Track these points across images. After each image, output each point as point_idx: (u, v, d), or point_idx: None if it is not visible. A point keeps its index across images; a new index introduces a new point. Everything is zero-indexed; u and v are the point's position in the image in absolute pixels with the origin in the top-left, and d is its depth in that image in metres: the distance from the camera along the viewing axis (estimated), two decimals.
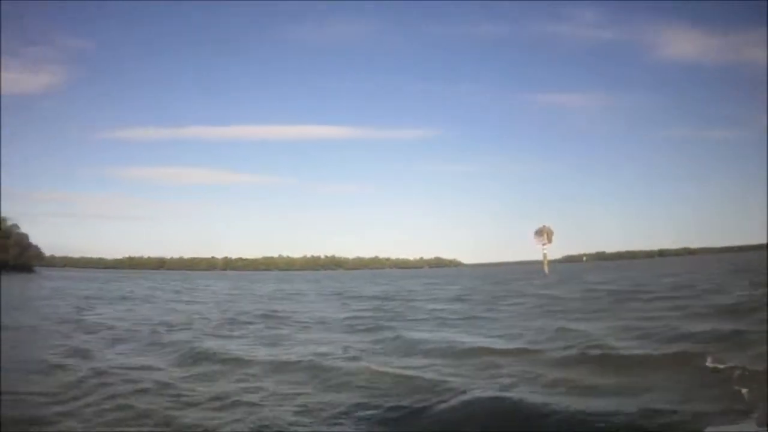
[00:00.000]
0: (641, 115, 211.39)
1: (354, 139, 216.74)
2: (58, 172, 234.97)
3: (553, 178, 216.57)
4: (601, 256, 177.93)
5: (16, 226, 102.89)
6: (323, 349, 12.66)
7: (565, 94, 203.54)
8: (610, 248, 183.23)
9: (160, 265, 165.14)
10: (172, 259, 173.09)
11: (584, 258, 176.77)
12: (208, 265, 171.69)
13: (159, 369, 10.85)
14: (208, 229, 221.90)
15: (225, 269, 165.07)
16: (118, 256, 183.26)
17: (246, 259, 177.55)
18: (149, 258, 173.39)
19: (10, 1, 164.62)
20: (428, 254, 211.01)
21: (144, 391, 8.82)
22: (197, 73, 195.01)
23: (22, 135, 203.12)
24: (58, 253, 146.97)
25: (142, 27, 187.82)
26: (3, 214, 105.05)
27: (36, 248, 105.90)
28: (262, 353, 12.47)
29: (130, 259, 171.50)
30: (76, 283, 60.22)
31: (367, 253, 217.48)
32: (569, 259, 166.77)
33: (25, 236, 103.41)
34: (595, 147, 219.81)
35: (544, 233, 75.56)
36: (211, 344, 13.69)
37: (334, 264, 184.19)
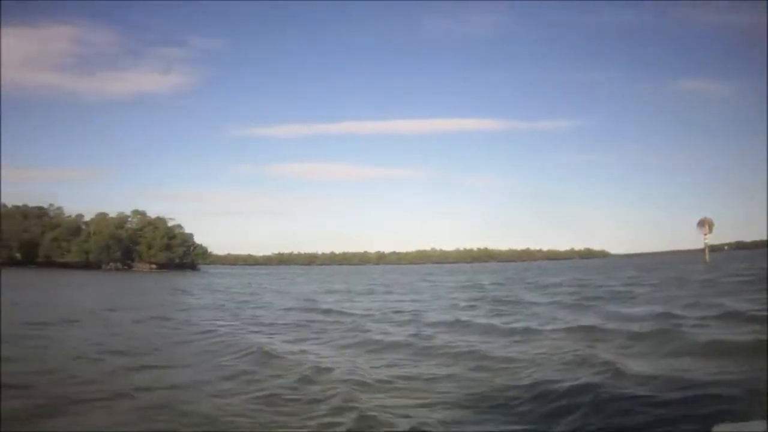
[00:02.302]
0: None
1: (497, 131, 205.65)
2: (196, 171, 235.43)
3: (694, 167, 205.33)
4: (740, 245, 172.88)
5: (179, 226, 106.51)
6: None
7: (703, 80, 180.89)
8: (748, 237, 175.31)
9: (311, 260, 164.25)
10: (323, 254, 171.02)
11: (725, 247, 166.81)
12: (361, 260, 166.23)
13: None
14: (361, 225, 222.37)
15: (378, 263, 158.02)
16: (267, 252, 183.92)
17: (399, 253, 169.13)
18: (299, 254, 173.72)
19: (134, 4, 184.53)
20: (578, 245, 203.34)
21: None
22: (344, 69, 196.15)
23: (158, 136, 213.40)
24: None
25: (273, 25, 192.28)
26: (163, 215, 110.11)
27: (201, 247, 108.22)
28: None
29: (280, 255, 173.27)
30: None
31: (517, 245, 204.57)
32: (712, 249, 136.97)
33: (190, 236, 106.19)
34: (738, 134, 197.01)
35: (705, 224, 79.50)
36: None
37: (486, 256, 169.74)
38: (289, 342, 14.42)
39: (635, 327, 14.13)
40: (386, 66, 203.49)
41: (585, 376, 8.87)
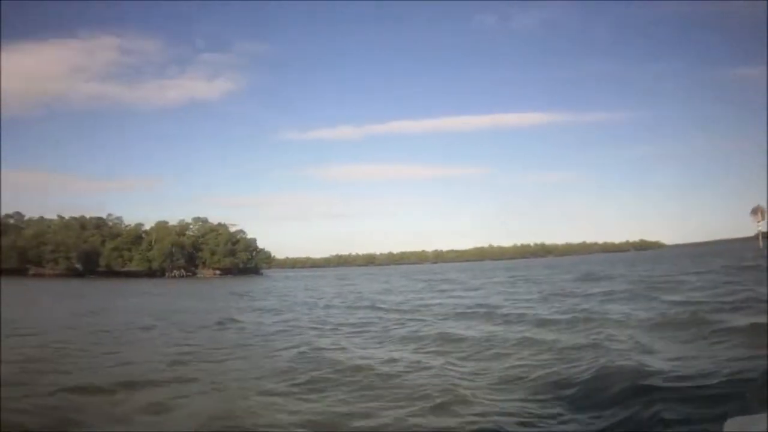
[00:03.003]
0: None
1: (551, 124, 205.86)
2: (250, 176, 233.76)
3: (748, 155, 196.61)
4: None
5: (242, 231, 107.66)
6: None
7: (761, 67, 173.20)
8: None
9: (369, 261, 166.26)
10: (381, 254, 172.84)
11: None
12: (419, 258, 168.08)
13: None
14: (417, 224, 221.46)
15: (436, 262, 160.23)
16: (326, 254, 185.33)
17: (457, 251, 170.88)
18: (358, 255, 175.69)
19: (179, 13, 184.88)
20: (632, 237, 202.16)
21: None
22: (392, 69, 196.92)
23: (210, 143, 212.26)
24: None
25: (319, 27, 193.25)
26: (225, 221, 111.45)
27: (265, 252, 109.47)
28: None
29: (339, 257, 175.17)
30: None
31: (574, 238, 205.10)
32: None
33: (253, 241, 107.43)
34: None
35: (758, 212, 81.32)
36: None
37: (543, 251, 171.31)
38: (428, 352, 13.31)
39: None
40: (437, 64, 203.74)
41: None
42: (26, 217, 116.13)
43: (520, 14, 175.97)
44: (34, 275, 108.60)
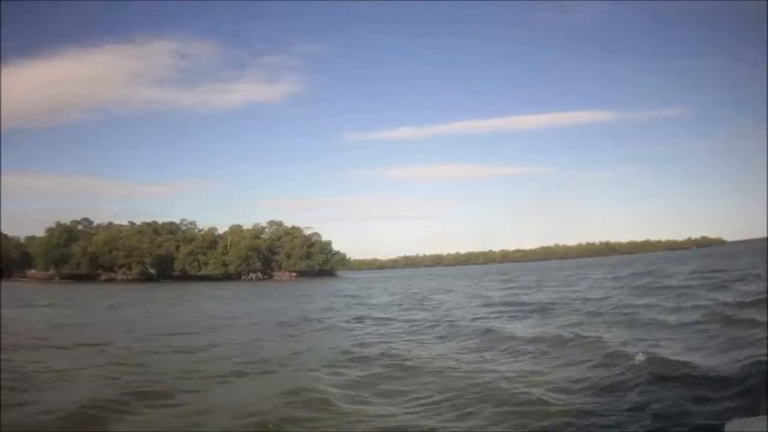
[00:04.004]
0: None
1: (611, 122, 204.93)
2: (312, 178, 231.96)
3: None
4: None
5: (317, 234, 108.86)
6: None
7: None
8: None
9: (436, 261, 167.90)
10: (448, 255, 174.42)
11: None
12: (486, 258, 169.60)
13: None
14: (482, 223, 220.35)
15: (502, 261, 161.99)
16: (392, 256, 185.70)
17: (523, 250, 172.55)
18: (424, 256, 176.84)
19: (235, 16, 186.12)
20: (694, 234, 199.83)
21: None
22: (449, 69, 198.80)
23: (271, 145, 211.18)
24: None
25: (377, 27, 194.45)
26: (297, 224, 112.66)
27: (340, 254, 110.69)
28: None
29: (405, 258, 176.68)
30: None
31: (638, 236, 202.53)
32: None
33: (328, 243, 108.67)
34: None
35: None
36: None
37: (608, 250, 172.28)
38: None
39: None
40: (495, 63, 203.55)
41: None
42: (95, 223, 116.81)
43: (580, 8, 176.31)
44: (106, 280, 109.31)
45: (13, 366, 12.10)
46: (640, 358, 10.30)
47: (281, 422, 7.99)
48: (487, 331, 16.45)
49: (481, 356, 12.85)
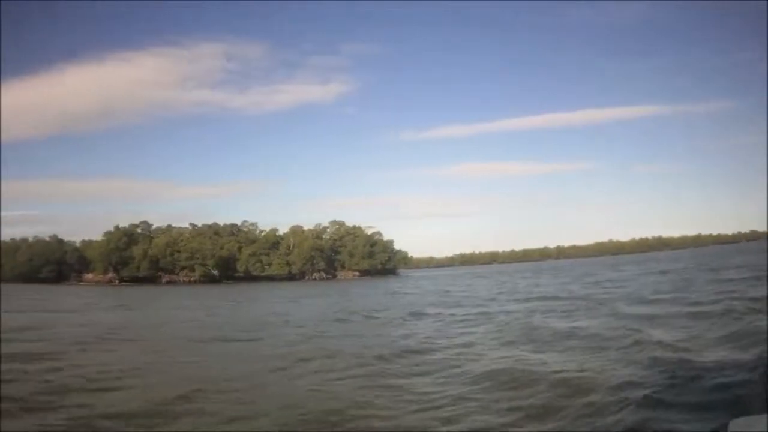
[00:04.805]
0: None
1: (660, 117, 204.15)
2: (368, 178, 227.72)
3: None
4: None
5: (379, 233, 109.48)
6: None
7: None
8: None
9: (492, 259, 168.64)
10: (503, 252, 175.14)
11: None
12: (541, 255, 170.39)
13: None
14: (536, 220, 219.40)
15: (558, 258, 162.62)
16: (448, 254, 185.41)
17: (579, 247, 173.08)
18: (480, 253, 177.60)
19: (284, 17, 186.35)
20: (744, 228, 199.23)
21: None
22: (499, 67, 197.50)
23: (323, 146, 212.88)
24: None
25: (426, 26, 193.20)
26: (359, 223, 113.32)
27: (402, 252, 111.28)
28: None
29: (462, 255, 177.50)
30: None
31: (689, 231, 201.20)
32: None
33: (390, 242, 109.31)
34: None
35: None
36: None
37: (660, 244, 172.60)
38: None
39: None
40: (545, 61, 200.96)
41: None
42: (153, 226, 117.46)
43: (621, 7, 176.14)
44: (168, 282, 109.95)
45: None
46: None
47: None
48: None
49: None
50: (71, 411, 9.02)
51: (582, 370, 10.60)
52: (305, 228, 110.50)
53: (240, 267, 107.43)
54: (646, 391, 8.44)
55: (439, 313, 24.60)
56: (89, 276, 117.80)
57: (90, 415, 8.74)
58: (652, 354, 11.29)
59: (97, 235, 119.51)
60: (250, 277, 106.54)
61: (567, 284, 42.21)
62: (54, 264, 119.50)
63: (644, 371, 9.97)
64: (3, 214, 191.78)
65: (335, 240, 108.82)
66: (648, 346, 12.22)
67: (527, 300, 28.68)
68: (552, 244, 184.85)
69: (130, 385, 11.03)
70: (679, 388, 8.65)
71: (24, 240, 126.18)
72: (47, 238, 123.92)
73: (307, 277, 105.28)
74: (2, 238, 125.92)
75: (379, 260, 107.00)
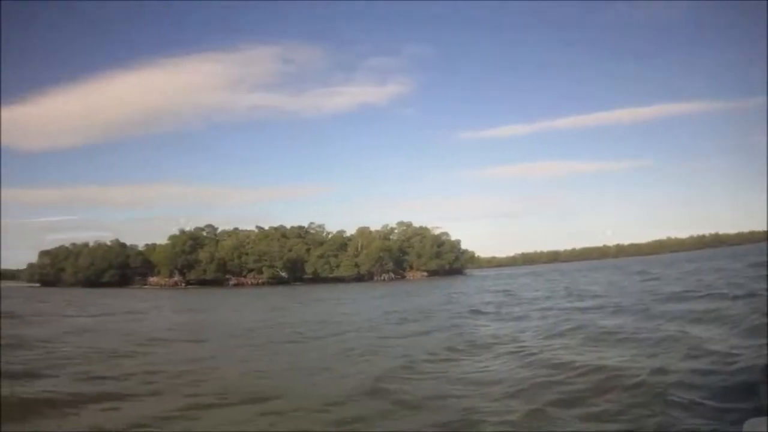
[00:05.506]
0: None
1: (712, 112, 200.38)
2: (427, 178, 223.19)
3: None
4: None
5: (446, 233, 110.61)
6: None
7: None
8: None
9: (554, 258, 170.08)
10: (565, 251, 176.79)
11: None
12: (601, 254, 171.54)
13: None
14: (596, 219, 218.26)
15: (617, 256, 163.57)
16: (510, 253, 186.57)
17: (638, 245, 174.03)
18: (542, 252, 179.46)
19: (340, 18, 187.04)
20: None
21: None
22: (558, 65, 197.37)
23: (381, 147, 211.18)
24: None
25: (482, 26, 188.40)
26: (425, 224, 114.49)
27: (469, 252, 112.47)
28: None
29: (524, 255, 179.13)
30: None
31: (746, 227, 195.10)
32: None
33: (457, 242, 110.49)
34: None
35: None
36: None
37: (717, 241, 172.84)
38: None
39: None
40: (598, 60, 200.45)
41: None
42: (219, 230, 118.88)
43: (673, 6, 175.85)
44: (235, 285, 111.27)
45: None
46: None
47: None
48: None
49: None
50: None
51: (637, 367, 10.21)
52: (372, 229, 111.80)
53: (309, 269, 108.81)
54: None
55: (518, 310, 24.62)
56: (153, 279, 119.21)
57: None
58: None
59: (157, 240, 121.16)
60: (318, 279, 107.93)
61: (619, 282, 41.56)
62: (117, 268, 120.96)
63: None
64: (57, 218, 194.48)
65: (403, 241, 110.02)
66: None
67: (593, 297, 28.08)
68: (611, 243, 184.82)
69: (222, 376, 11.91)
70: None
71: (85, 245, 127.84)
72: (109, 243, 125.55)
73: (375, 278, 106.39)
74: (61, 244, 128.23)
75: (446, 260, 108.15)
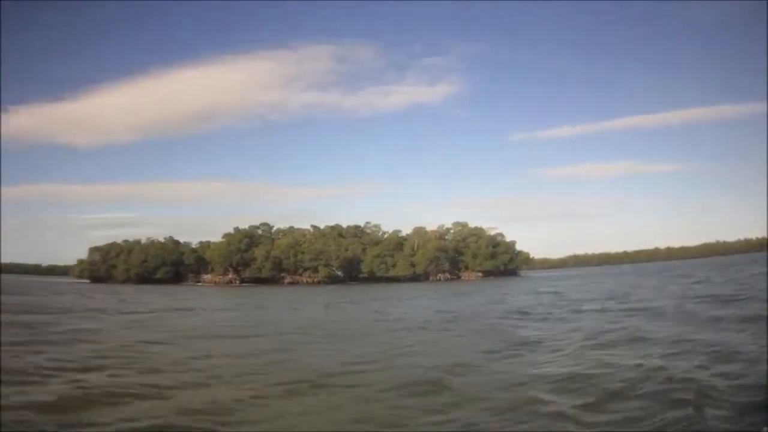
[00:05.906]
0: None
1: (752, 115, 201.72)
2: (479, 179, 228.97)
3: None
4: None
5: (501, 234, 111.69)
6: None
7: None
8: None
9: (604, 260, 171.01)
10: (616, 253, 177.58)
11: None
12: (649, 256, 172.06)
13: None
14: (647, 220, 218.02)
15: (668, 259, 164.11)
16: (561, 255, 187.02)
17: (688, 247, 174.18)
18: (593, 254, 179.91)
19: (393, 19, 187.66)
20: None
21: None
22: (610, 66, 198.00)
23: (433, 147, 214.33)
24: None
25: (533, 26, 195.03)
26: (482, 225, 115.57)
27: (524, 253, 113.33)
28: None
29: (575, 256, 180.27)
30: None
31: None
32: None
33: (513, 243, 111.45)
34: None
35: None
36: None
37: (761, 245, 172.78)
38: None
39: None
40: (654, 59, 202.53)
41: None
42: (274, 228, 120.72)
43: (703, 8, 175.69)
44: (290, 283, 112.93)
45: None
46: None
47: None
48: None
49: None
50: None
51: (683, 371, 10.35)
52: (428, 229, 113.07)
53: (364, 268, 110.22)
54: None
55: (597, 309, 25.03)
56: (207, 277, 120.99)
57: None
58: None
59: (213, 237, 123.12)
60: (374, 278, 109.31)
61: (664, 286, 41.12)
62: (170, 265, 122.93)
63: None
64: (107, 215, 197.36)
65: (458, 241, 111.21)
66: None
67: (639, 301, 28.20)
68: (662, 245, 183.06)
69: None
70: None
71: (137, 241, 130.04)
72: (162, 239, 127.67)
73: (431, 278, 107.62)
74: (111, 240, 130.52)
75: (501, 261, 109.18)
